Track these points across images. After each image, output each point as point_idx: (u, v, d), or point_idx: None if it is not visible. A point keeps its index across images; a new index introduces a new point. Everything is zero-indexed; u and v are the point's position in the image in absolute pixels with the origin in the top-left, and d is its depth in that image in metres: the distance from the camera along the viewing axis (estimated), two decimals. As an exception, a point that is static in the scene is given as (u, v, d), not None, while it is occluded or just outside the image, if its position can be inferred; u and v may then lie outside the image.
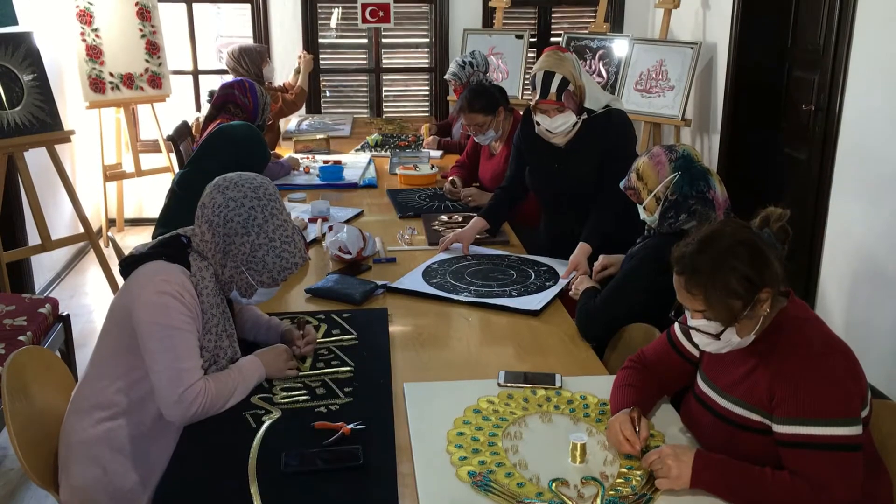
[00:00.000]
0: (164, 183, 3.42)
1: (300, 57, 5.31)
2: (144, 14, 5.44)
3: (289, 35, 6.06)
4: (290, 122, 5.50)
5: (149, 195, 6.11)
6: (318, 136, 4.93)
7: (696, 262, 1.70)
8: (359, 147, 4.97)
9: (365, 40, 6.28)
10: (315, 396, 2.02)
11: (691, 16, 5.49)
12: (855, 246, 3.81)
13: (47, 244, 4.25)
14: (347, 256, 2.93)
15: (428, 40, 6.32)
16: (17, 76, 4.01)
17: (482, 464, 1.74)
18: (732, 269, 1.67)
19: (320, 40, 6.19)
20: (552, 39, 6.25)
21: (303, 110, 5.73)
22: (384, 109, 6.34)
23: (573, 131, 2.96)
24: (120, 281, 2.05)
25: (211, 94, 3.81)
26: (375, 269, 2.96)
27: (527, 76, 5.72)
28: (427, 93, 6.43)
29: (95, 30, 5.24)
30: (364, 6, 5.87)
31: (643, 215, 2.44)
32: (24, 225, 4.56)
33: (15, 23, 4.09)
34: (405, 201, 3.82)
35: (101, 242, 5.35)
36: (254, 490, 1.64)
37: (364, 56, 6.36)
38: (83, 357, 3.69)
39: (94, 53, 5.23)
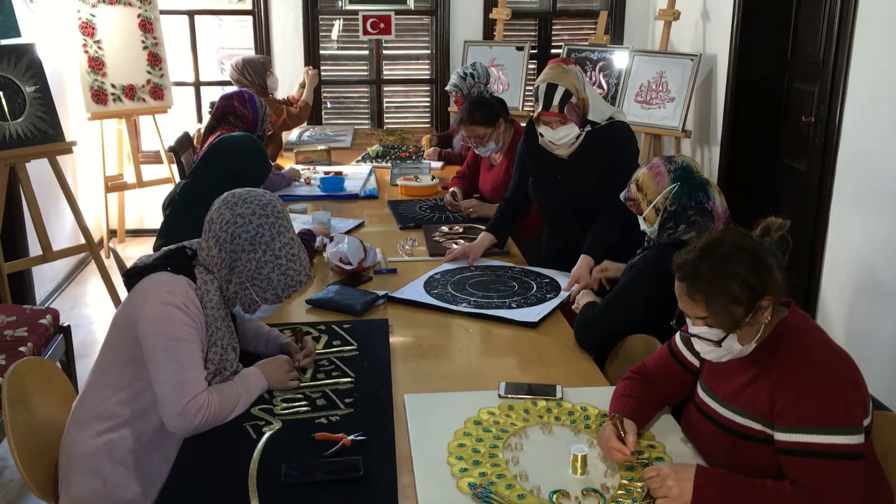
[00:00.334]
0: (166, 194, 3.42)
1: (306, 71, 5.34)
2: (146, 26, 5.47)
3: (290, 46, 6.09)
4: (291, 133, 5.52)
5: (150, 206, 6.11)
6: (320, 147, 4.94)
7: (698, 269, 1.70)
8: (360, 158, 4.98)
9: (366, 52, 6.30)
10: (315, 407, 2.02)
11: (691, 27, 5.51)
12: (855, 257, 3.81)
13: (48, 255, 4.26)
14: (348, 267, 2.93)
15: (429, 52, 6.34)
16: (20, 87, 4.03)
17: (483, 475, 1.74)
18: (734, 275, 1.68)
19: (322, 52, 6.21)
20: (553, 51, 6.28)
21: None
22: (385, 120, 6.36)
23: (577, 143, 2.97)
24: (122, 292, 2.06)
25: (212, 105, 3.82)
26: (376, 279, 2.96)
27: (527, 88, 5.74)
28: (428, 104, 6.45)
29: (98, 41, 5.26)
30: (365, 18, 5.90)
31: (643, 226, 2.44)
32: (25, 236, 4.57)
33: (17, 34, 4.11)
34: (406, 212, 3.83)
35: (102, 253, 5.35)
36: (254, 501, 1.64)
37: (365, 67, 6.38)
38: (84, 368, 3.69)
39: (96, 65, 5.25)
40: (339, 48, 6.32)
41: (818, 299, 4.11)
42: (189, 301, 1.93)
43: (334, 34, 6.25)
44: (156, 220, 5.72)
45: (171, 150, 4.57)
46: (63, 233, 5.08)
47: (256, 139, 3.45)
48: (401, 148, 5.23)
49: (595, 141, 2.96)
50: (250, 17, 6.05)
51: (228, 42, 6.30)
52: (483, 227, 3.37)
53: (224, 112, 3.56)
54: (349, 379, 2.16)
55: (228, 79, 5.03)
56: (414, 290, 2.82)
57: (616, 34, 6.24)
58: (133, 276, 1.99)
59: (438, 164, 4.78)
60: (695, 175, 2.35)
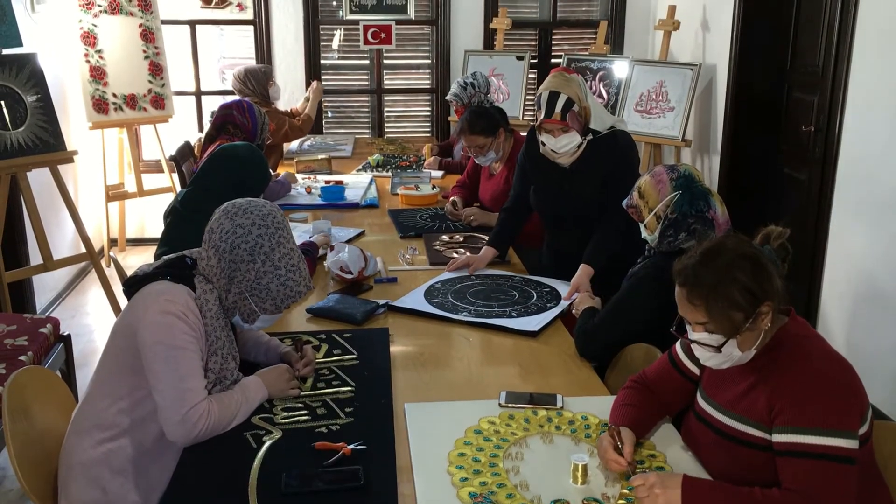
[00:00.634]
0: (167, 203, 3.43)
1: (312, 86, 5.37)
2: (148, 36, 5.48)
3: (291, 56, 6.10)
4: (292, 143, 5.53)
5: (151, 215, 6.12)
6: (320, 157, 4.95)
7: (698, 274, 1.71)
8: (360, 167, 4.99)
9: (367, 61, 6.32)
10: (316, 416, 2.02)
11: (691, 37, 5.53)
12: (856, 266, 3.81)
13: (49, 264, 4.26)
14: (349, 276, 2.94)
15: (429, 61, 6.36)
16: (21, 97, 4.04)
17: (483, 485, 1.73)
18: (734, 280, 1.68)
19: (322, 61, 6.23)
20: (553, 61, 6.29)
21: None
22: (385, 130, 6.37)
23: (578, 152, 2.97)
24: (122, 301, 2.06)
25: (213, 114, 3.84)
26: (377, 288, 2.96)
27: (528, 97, 5.76)
28: (428, 113, 6.47)
29: (99, 51, 5.28)
30: (366, 28, 5.92)
31: (644, 234, 2.45)
32: (26, 245, 4.57)
33: (19, 44, 4.12)
34: (406, 221, 3.83)
35: (103, 262, 5.36)
36: (254, 511, 1.64)
37: (366, 77, 6.40)
38: (84, 377, 3.69)
39: (97, 74, 5.27)
40: (339, 58, 6.34)
41: (818, 308, 4.11)
42: (189, 310, 1.93)
43: (335, 44, 6.27)
44: (156, 229, 5.73)
45: (172, 159, 4.58)
46: (64, 242, 5.08)
47: (257, 148, 3.46)
48: (401, 157, 5.24)
49: (596, 150, 2.96)
50: (251, 27, 6.07)
51: (229, 52, 6.32)
52: (483, 236, 3.37)
53: (223, 122, 3.57)
54: (349, 388, 2.16)
55: (229, 88, 5.05)
56: (414, 299, 2.82)
57: (616, 44, 6.25)
58: (133, 284, 1.99)
59: (439, 174, 4.79)
60: (697, 184, 2.36)
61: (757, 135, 4.88)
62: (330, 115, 6.38)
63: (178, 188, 4.82)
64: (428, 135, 6.37)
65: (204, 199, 3.05)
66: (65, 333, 3.53)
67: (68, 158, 4.30)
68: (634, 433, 1.84)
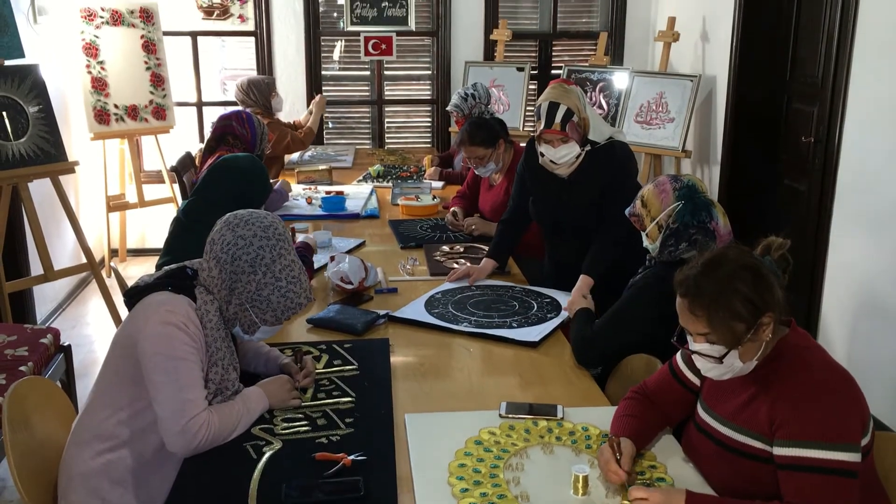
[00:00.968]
0: (167, 213, 3.43)
1: (315, 98, 5.38)
2: (150, 47, 5.50)
3: (292, 67, 6.12)
4: (293, 154, 5.54)
5: (152, 226, 6.13)
6: (321, 167, 4.96)
7: (700, 284, 1.71)
8: (361, 178, 5.00)
9: (367, 72, 6.34)
10: (316, 427, 2.01)
11: (691, 49, 5.54)
12: (856, 277, 3.81)
13: (50, 274, 4.26)
14: (349, 286, 2.94)
15: (430, 72, 6.38)
16: (23, 108, 4.05)
17: (484, 495, 1.73)
18: (736, 291, 1.68)
19: (323, 72, 6.25)
20: (553, 72, 6.32)
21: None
22: (386, 140, 6.39)
23: (577, 162, 2.98)
24: (122, 311, 2.06)
25: (213, 125, 3.84)
26: (377, 299, 2.96)
27: (528, 108, 5.77)
28: (429, 124, 6.48)
29: (101, 62, 5.30)
30: (367, 39, 5.95)
31: (646, 242, 2.45)
32: (26, 255, 4.57)
33: (22, 55, 4.14)
34: (407, 232, 3.83)
35: (104, 273, 5.36)
36: (254, 522, 1.64)
37: (366, 88, 6.42)
38: (84, 388, 3.68)
39: (99, 85, 5.29)
40: (340, 69, 6.36)
41: (819, 319, 4.11)
42: (189, 321, 1.93)
43: (336, 55, 6.30)
44: (157, 239, 5.74)
45: (173, 169, 4.59)
46: (64, 252, 5.08)
47: (258, 159, 3.47)
48: (402, 168, 5.25)
49: (595, 160, 2.97)
50: (253, 39, 6.10)
51: (231, 63, 6.34)
52: (484, 247, 3.37)
53: (223, 132, 3.58)
54: (350, 398, 2.16)
55: (230, 99, 5.06)
56: (415, 310, 2.82)
57: (616, 55, 6.27)
58: (134, 295, 1.99)
59: (439, 184, 4.79)
60: (699, 195, 2.36)
61: (757, 146, 4.89)
62: (331, 125, 6.40)
63: (179, 199, 4.82)
64: (428, 145, 6.38)
65: (205, 209, 3.05)
66: (65, 344, 3.53)
67: (69, 169, 4.31)
68: (635, 444, 1.84)
